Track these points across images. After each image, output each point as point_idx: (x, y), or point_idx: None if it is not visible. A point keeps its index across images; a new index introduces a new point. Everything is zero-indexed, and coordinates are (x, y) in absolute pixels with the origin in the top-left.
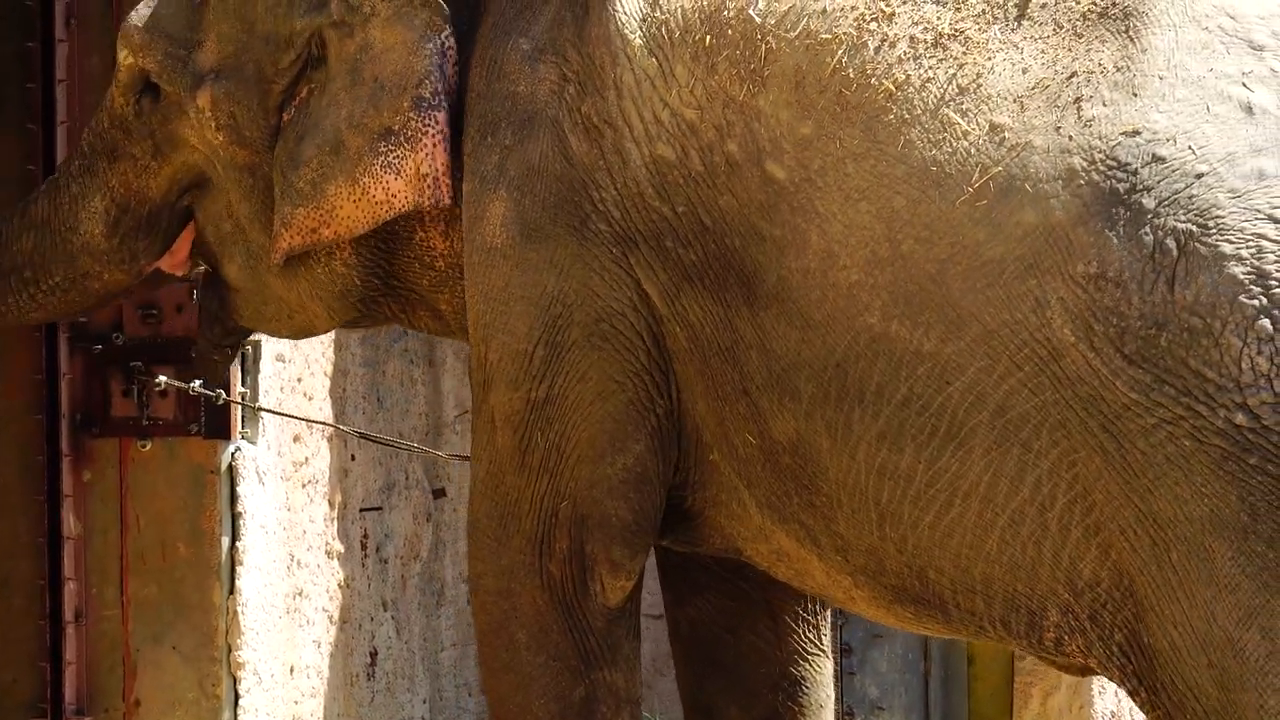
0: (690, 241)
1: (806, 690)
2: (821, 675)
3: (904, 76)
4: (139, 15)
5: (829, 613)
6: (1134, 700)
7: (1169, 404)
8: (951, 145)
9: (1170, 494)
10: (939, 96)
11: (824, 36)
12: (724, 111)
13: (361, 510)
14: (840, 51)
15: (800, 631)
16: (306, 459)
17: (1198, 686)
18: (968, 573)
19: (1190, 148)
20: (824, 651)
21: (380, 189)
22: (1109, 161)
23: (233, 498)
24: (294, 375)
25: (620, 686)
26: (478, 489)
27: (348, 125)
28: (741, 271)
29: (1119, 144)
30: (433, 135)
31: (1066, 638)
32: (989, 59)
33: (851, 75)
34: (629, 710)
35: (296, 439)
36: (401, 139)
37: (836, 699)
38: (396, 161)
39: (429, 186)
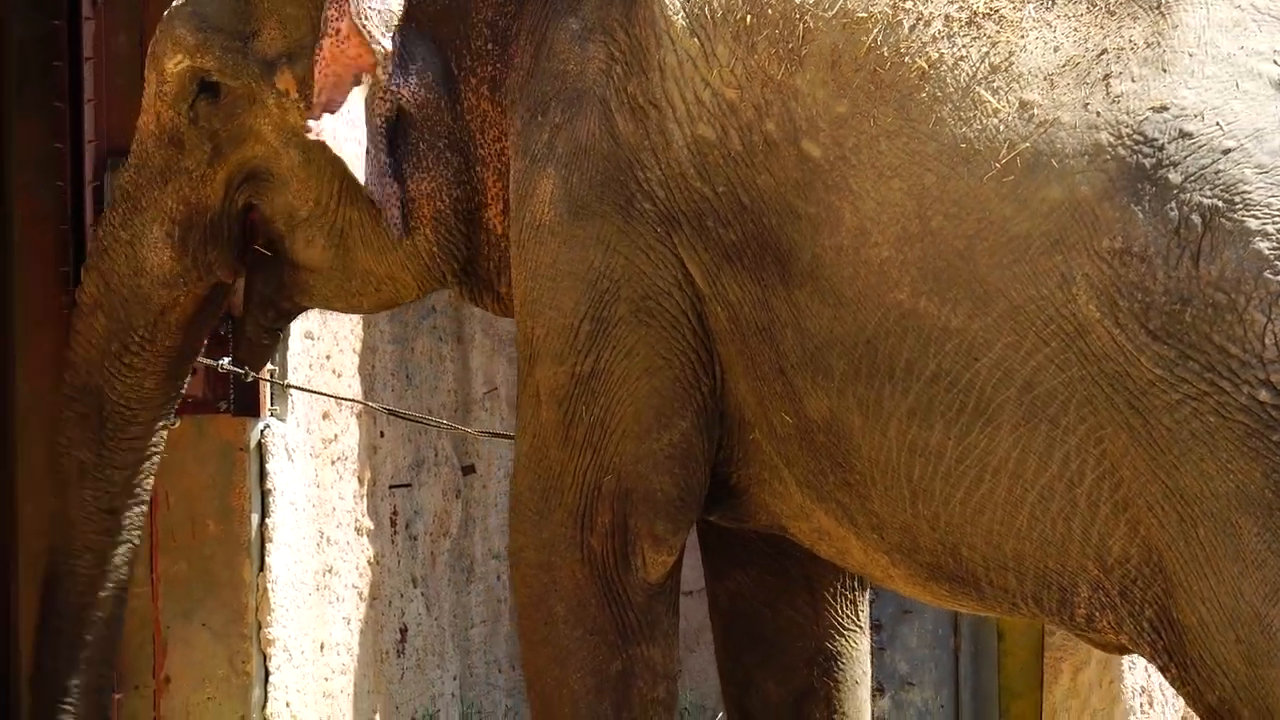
0: (730, 221)
1: (843, 665)
2: (858, 651)
3: (937, 55)
4: (182, 19)
5: (867, 589)
6: (1165, 676)
7: (1193, 380)
8: (982, 123)
9: (1196, 470)
10: (971, 74)
11: (860, 15)
12: (763, 91)
13: (391, 487)
14: (876, 30)
15: (838, 607)
16: (336, 436)
17: (1226, 662)
18: (999, 549)
19: (1218, 123)
20: (861, 627)
21: None
22: (1136, 137)
23: (262, 475)
24: (323, 352)
25: (657, 662)
26: (521, 463)
27: None
28: (778, 250)
29: (1146, 119)
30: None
31: (1098, 614)
32: (1022, 37)
33: (886, 54)
34: (665, 685)
35: (326, 416)
36: None
37: None
38: None
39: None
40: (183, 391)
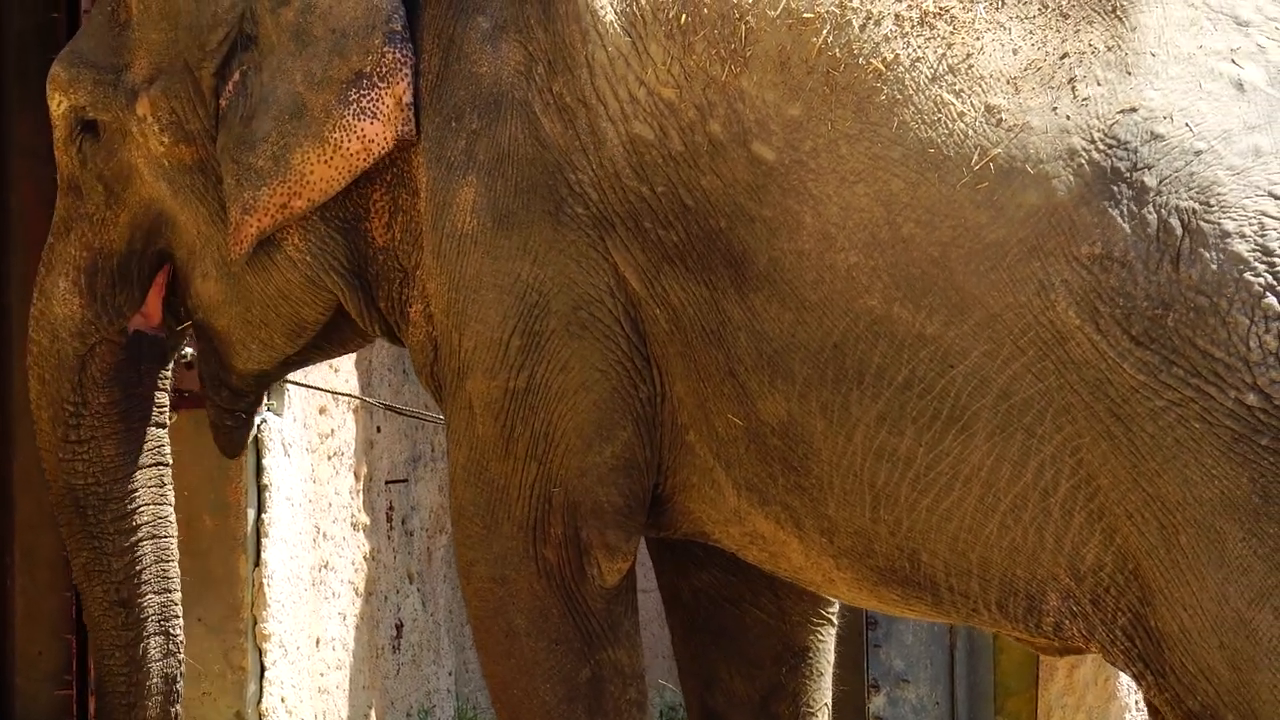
0: (671, 222)
1: (810, 660)
2: (825, 644)
3: (892, 55)
4: (60, 59)
5: None
6: (1138, 684)
7: (1178, 385)
8: (948, 127)
9: (1179, 477)
10: (930, 76)
11: (806, 15)
12: (705, 91)
13: (387, 482)
14: (825, 30)
15: (803, 603)
16: (332, 431)
17: (1210, 669)
18: (964, 556)
19: (1187, 125)
20: (828, 619)
21: (354, 139)
22: (1109, 140)
23: (258, 470)
24: None
25: (625, 663)
26: (460, 476)
27: (307, 86)
28: (728, 253)
29: (1117, 122)
30: (409, 66)
31: (1067, 622)
32: (977, 39)
33: (838, 55)
34: (635, 685)
35: (322, 411)
36: (376, 78)
37: (861, 671)
38: (371, 104)
39: (407, 117)
40: (161, 458)
